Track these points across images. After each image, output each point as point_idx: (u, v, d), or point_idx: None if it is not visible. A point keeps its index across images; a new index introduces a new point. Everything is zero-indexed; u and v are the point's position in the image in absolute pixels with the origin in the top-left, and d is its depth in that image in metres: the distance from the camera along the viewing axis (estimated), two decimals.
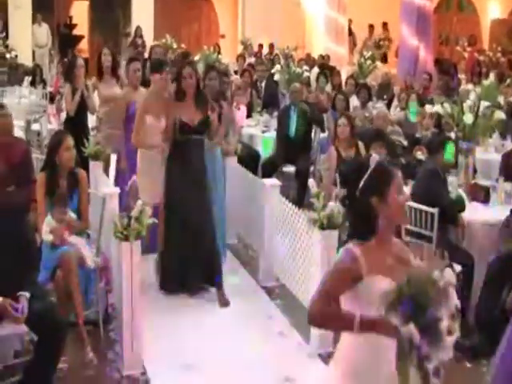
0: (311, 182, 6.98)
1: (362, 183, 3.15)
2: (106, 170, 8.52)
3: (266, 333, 6.25)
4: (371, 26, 20.33)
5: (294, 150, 9.73)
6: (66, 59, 14.90)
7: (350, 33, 19.23)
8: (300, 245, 6.44)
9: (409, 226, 6.11)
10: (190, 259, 6.80)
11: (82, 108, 9.01)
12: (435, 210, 5.79)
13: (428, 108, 9.23)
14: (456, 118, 7.12)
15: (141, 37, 18.98)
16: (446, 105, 7.35)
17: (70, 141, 6.12)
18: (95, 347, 5.83)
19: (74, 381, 5.50)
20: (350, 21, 18.82)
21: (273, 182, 7.40)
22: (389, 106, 12.19)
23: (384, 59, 18.58)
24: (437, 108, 7.65)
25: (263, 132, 10.73)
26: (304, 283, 6.34)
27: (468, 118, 6.93)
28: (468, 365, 5.78)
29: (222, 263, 7.06)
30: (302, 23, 21.26)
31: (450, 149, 6.40)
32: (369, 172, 3.16)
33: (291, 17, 20.55)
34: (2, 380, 5.15)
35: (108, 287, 6.27)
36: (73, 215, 5.98)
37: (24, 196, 6.57)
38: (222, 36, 23.65)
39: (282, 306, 6.85)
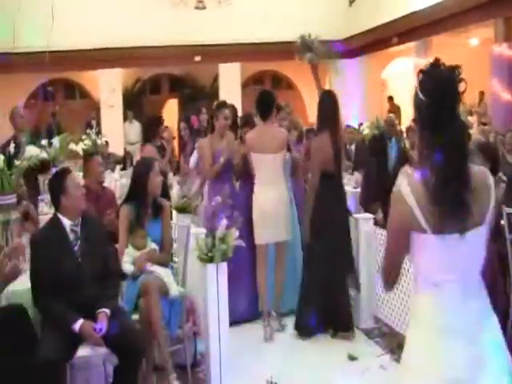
0: None
1: None
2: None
3: (366, 366, 5.78)
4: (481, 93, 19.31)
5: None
6: None
7: None
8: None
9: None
10: None
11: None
12: None
13: None
14: None
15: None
16: None
17: (157, 166, 5.81)
18: None
19: None
20: None
21: (364, 215, 7.01)
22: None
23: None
24: None
25: (354, 188, 10.64)
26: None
27: None
28: None
29: None
30: (384, 99, 21.01)
31: None
32: None
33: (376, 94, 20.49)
34: None
35: (195, 329, 5.90)
36: (154, 245, 5.65)
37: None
38: (311, 125, 23.65)
39: (382, 342, 6.37)
